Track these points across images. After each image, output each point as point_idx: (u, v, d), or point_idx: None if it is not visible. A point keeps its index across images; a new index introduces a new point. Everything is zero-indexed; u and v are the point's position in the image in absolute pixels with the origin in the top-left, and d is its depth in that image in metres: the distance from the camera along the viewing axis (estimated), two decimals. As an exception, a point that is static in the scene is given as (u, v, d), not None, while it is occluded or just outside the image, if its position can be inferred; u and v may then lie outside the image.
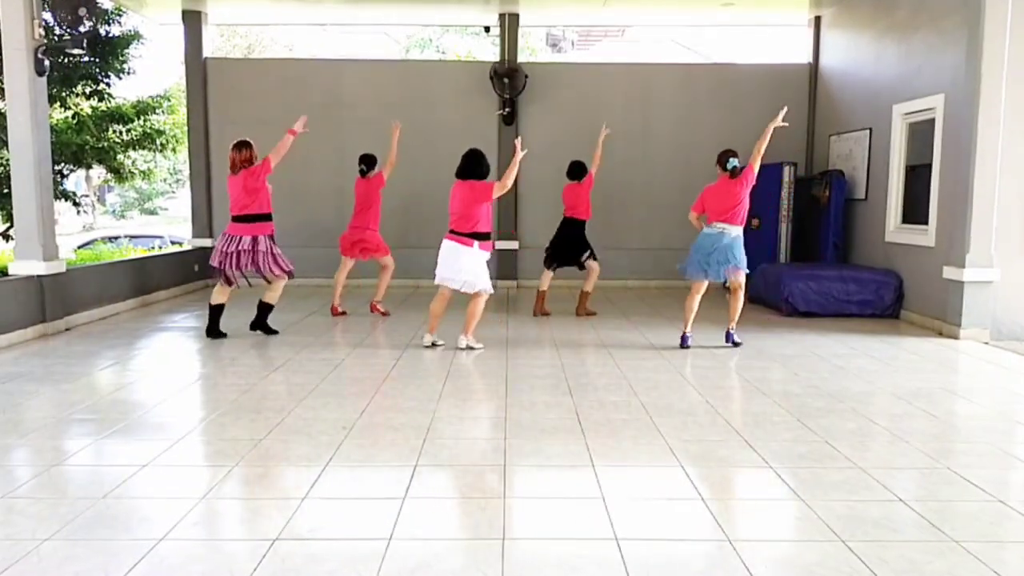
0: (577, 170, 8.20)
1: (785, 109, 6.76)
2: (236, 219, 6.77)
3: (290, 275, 6.94)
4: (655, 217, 10.96)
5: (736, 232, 6.51)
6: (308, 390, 5.18)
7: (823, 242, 9.58)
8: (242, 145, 6.77)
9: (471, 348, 6.55)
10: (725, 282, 10.74)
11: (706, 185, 6.82)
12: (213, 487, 3.50)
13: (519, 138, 6.69)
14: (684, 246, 10.97)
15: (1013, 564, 2.84)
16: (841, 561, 2.81)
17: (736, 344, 6.76)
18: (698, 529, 3.10)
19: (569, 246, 8.18)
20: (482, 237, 6.37)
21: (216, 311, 6.98)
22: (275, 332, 7.14)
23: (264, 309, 7.12)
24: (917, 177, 8.31)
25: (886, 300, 8.28)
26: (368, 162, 8.14)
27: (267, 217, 6.78)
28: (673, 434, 4.28)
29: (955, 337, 7.19)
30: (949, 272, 7.32)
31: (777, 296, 8.53)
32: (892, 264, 8.58)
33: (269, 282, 6.95)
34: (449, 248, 6.40)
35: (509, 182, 6.37)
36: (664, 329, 7.59)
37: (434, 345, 6.63)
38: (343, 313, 8.27)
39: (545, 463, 3.90)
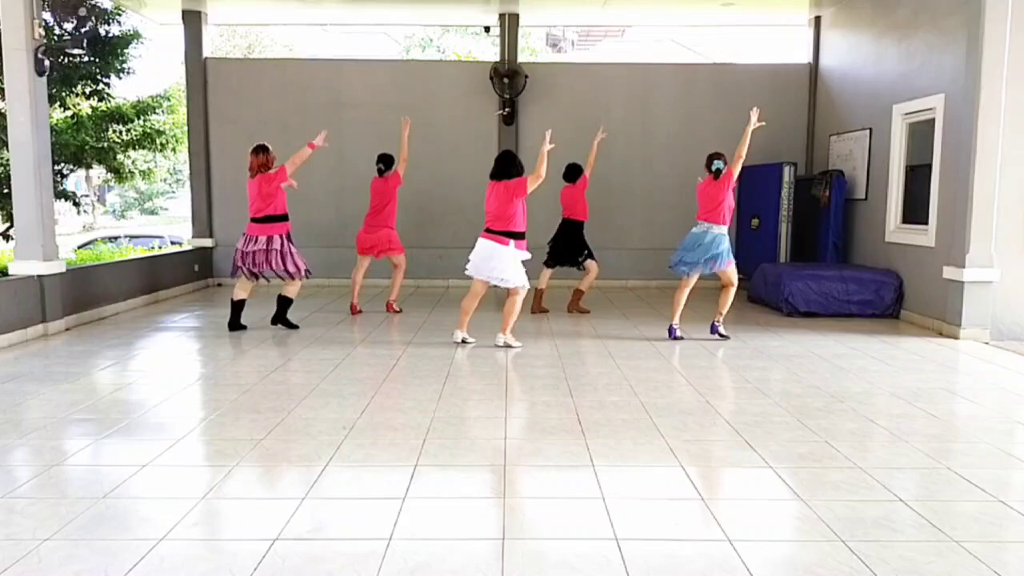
0: (573, 172, 8.34)
1: (757, 110, 7.03)
2: (254, 220, 7.00)
3: (307, 274, 7.17)
4: (655, 217, 10.97)
5: (719, 230, 6.86)
6: (308, 390, 5.18)
7: (823, 242, 9.57)
8: (259, 149, 7.00)
9: (509, 346, 6.61)
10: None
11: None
12: (213, 487, 3.50)
13: (550, 131, 6.66)
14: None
15: (1013, 564, 2.84)
16: (841, 561, 2.81)
17: (723, 336, 7.00)
18: (698, 529, 3.10)
19: (568, 246, 8.32)
20: (518, 236, 6.47)
21: (237, 306, 7.27)
22: (295, 327, 7.37)
23: (283, 303, 7.34)
24: (917, 177, 8.31)
25: (886, 300, 8.28)
26: (387, 161, 8.24)
27: (283, 218, 7.06)
28: (673, 434, 4.28)
29: (955, 337, 7.19)
30: (949, 272, 7.32)
31: (777, 296, 8.53)
32: (892, 264, 8.58)
33: (284, 280, 7.22)
34: (485, 247, 6.49)
35: (543, 171, 6.39)
36: (664, 328, 7.58)
37: (464, 342, 6.71)
38: (360, 311, 8.37)
39: (545, 463, 3.90)
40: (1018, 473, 3.85)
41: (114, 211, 31.54)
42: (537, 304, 8.51)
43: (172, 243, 16.03)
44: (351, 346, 6.67)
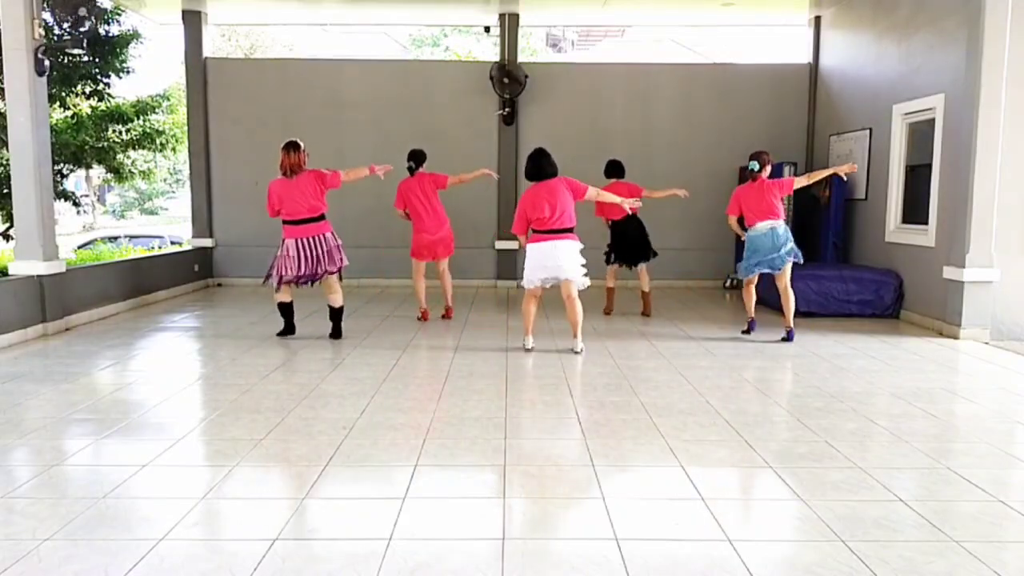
0: (619, 168, 8.34)
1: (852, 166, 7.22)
2: (308, 221, 6.56)
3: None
4: (655, 217, 10.92)
5: (784, 225, 7.02)
6: (308, 390, 5.18)
7: (823, 242, 9.57)
8: (294, 147, 6.57)
9: (580, 351, 6.43)
10: (724, 283, 10.90)
11: (737, 188, 7.26)
12: (213, 487, 3.50)
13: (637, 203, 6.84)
14: (684, 246, 11.10)
15: (1013, 564, 2.84)
16: (841, 561, 2.81)
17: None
18: (698, 529, 3.10)
19: (639, 242, 8.27)
20: (572, 231, 6.38)
21: (287, 309, 6.93)
22: (341, 336, 6.98)
23: (336, 315, 6.93)
24: (917, 177, 8.31)
25: (886, 300, 8.28)
26: (417, 158, 7.72)
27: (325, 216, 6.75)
28: (673, 434, 4.28)
29: (955, 337, 7.19)
30: (949, 272, 7.32)
31: (777, 296, 8.51)
32: (892, 264, 8.58)
33: (319, 283, 6.79)
34: (552, 247, 6.24)
35: (609, 198, 6.64)
36: (664, 328, 7.59)
37: (531, 349, 6.51)
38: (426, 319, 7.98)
39: (546, 463, 3.90)
40: (1018, 473, 3.86)
41: (114, 211, 31.56)
42: (610, 305, 8.55)
43: (172, 243, 16.04)
44: (351, 346, 6.67)
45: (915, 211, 8.29)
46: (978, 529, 3.12)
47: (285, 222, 6.62)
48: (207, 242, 11.09)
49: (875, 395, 5.25)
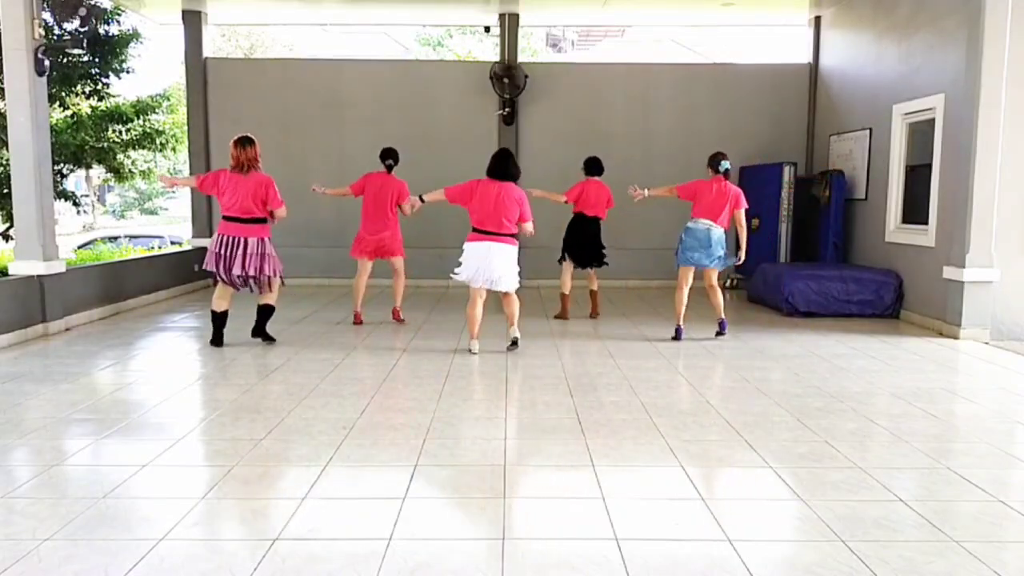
0: (597, 166, 7.99)
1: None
2: (238, 220, 6.22)
3: (282, 281, 6.58)
4: (655, 217, 10.95)
5: (722, 232, 6.97)
6: (308, 390, 5.18)
7: (823, 242, 9.58)
8: (247, 142, 6.26)
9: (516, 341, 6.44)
10: (724, 284, 10.88)
11: (700, 180, 7.17)
12: (213, 487, 3.49)
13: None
14: (684, 246, 11.08)
15: (1013, 564, 2.84)
16: (841, 561, 2.81)
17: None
18: (698, 529, 3.10)
19: (593, 244, 7.94)
20: (516, 236, 6.34)
21: (220, 319, 6.55)
22: (273, 340, 6.72)
23: (264, 313, 6.65)
24: (917, 177, 8.31)
25: (886, 300, 8.28)
26: (396, 157, 7.63)
27: (265, 220, 6.39)
28: (673, 434, 4.28)
29: (955, 337, 7.19)
30: (949, 272, 7.32)
31: (777, 296, 8.53)
32: (892, 264, 8.58)
33: (260, 289, 6.50)
34: (487, 249, 6.19)
35: (530, 227, 6.41)
36: (664, 328, 7.59)
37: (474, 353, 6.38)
38: (362, 322, 7.74)
39: (545, 463, 3.90)
40: (1018, 473, 3.86)
41: (114, 211, 31.59)
42: (565, 310, 8.11)
43: (172, 243, 16.04)
44: (351, 346, 6.67)
45: (915, 211, 8.29)
46: (978, 529, 3.12)
47: (222, 216, 6.34)
48: (207, 242, 11.04)
49: (875, 395, 5.25)
